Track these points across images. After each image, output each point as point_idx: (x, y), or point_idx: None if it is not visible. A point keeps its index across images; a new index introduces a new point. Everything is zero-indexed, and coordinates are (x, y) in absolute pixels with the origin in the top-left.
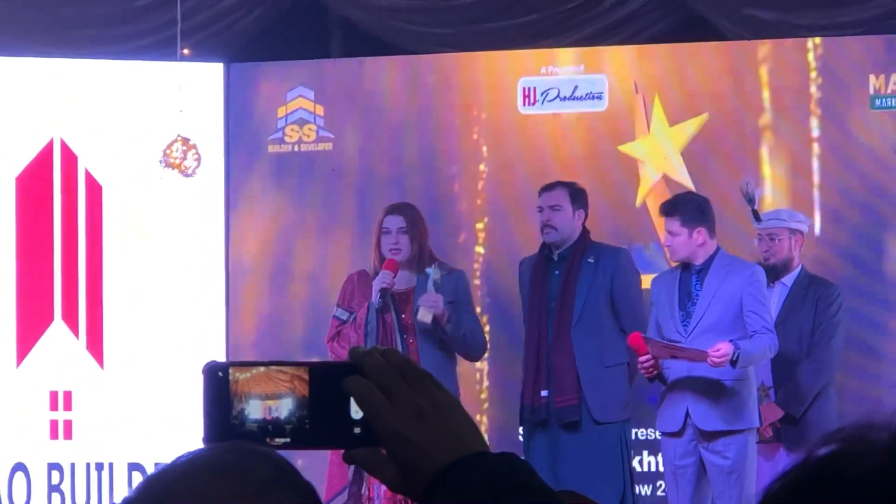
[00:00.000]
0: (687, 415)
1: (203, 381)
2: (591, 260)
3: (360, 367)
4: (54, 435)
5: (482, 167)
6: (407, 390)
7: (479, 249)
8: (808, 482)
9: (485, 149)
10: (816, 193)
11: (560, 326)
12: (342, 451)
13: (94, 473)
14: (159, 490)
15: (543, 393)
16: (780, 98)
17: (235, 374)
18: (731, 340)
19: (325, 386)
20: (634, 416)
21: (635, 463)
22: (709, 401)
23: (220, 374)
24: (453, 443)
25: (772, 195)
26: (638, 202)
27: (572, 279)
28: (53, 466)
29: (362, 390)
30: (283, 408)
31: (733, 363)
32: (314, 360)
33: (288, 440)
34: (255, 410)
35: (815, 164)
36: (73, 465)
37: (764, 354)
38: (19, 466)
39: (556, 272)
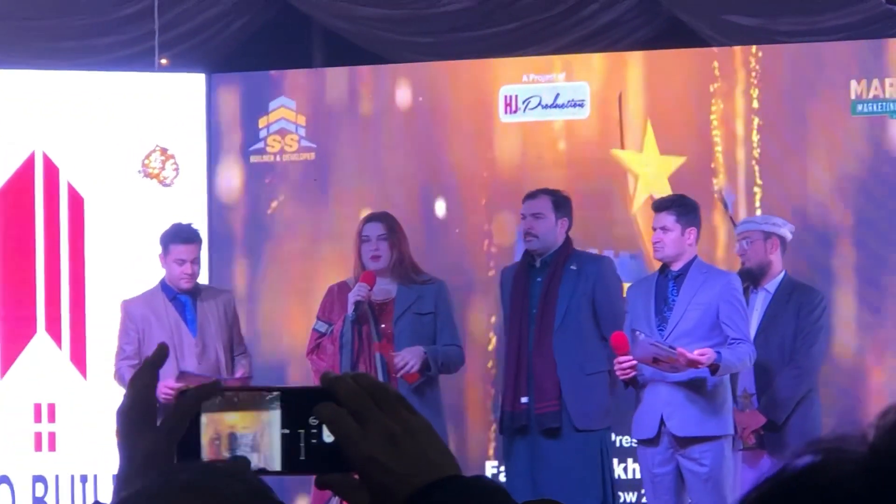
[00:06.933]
0: (662, 422)
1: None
2: (573, 267)
3: (332, 392)
4: (38, 447)
5: (464, 175)
6: (379, 415)
7: (462, 257)
8: (782, 494)
9: (466, 157)
10: (798, 200)
11: (541, 333)
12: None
13: (78, 485)
14: None
15: (523, 399)
16: (761, 104)
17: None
18: (715, 349)
19: (297, 411)
20: (621, 423)
21: (620, 470)
22: (683, 406)
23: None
24: (425, 466)
25: (753, 201)
26: (634, 209)
27: (554, 286)
28: (38, 479)
29: (334, 416)
30: (254, 433)
31: (713, 371)
32: (286, 385)
33: (261, 467)
34: (225, 435)
35: (797, 171)
36: (57, 478)
37: (744, 363)
38: (3, 479)
39: (539, 279)
